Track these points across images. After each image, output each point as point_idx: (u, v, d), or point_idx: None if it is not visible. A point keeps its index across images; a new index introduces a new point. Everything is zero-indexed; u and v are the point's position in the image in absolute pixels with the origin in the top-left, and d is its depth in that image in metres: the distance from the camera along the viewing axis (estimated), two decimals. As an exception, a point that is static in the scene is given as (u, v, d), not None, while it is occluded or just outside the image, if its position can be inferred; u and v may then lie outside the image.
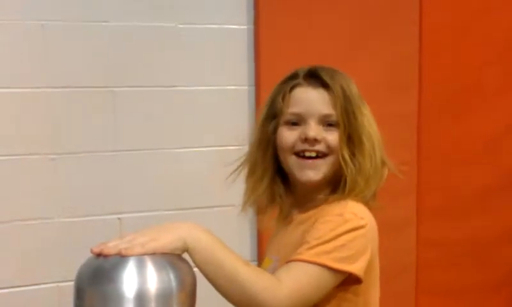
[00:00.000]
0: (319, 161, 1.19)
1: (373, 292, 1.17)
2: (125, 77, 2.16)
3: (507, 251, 2.60)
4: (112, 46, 2.14)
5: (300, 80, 1.22)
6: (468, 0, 2.48)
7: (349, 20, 2.32)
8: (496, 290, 2.61)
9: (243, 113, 2.27)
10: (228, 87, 2.26)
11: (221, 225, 2.23)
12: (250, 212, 2.23)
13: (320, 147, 1.18)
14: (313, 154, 1.18)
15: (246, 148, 2.21)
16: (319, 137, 1.18)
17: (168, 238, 0.97)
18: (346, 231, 1.10)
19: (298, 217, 1.24)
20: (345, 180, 1.17)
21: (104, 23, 2.13)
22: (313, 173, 1.19)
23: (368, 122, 1.19)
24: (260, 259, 2.26)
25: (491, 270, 2.60)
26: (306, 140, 1.18)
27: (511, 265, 2.60)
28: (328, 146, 1.18)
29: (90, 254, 0.97)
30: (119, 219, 2.20)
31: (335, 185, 1.20)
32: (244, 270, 1.01)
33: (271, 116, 1.24)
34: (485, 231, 2.57)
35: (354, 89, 1.20)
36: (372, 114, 1.22)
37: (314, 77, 1.21)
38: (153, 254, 0.94)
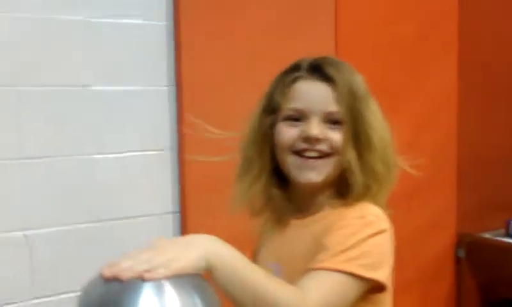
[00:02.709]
0: (320, 161, 1.09)
1: (388, 300, 1.09)
2: (31, 74, 1.91)
3: (417, 249, 2.66)
4: (18, 40, 1.89)
5: (303, 72, 1.12)
6: (379, 3, 2.52)
7: (271, 16, 2.26)
8: (407, 288, 2.67)
9: (163, 115, 2.11)
10: (147, 87, 2.09)
11: (143, 237, 2.07)
12: (171, 220, 2.10)
13: (322, 147, 1.08)
14: (315, 154, 1.08)
15: (167, 153, 2.10)
16: (321, 136, 1.08)
17: (191, 257, 0.82)
18: (370, 235, 1.01)
19: (299, 220, 1.14)
20: (352, 182, 1.08)
21: (6, 14, 1.87)
22: (314, 174, 1.09)
23: (377, 119, 1.10)
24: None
25: (402, 268, 2.65)
26: (307, 139, 1.08)
27: (421, 263, 2.67)
28: (332, 146, 1.08)
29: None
30: (25, 235, 1.94)
31: (340, 187, 1.11)
32: (269, 286, 0.89)
33: (269, 110, 1.13)
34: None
35: (361, 83, 1.11)
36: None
37: (318, 69, 1.11)
38: (173, 277, 0.78)
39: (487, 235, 2.76)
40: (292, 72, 1.13)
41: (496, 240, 2.71)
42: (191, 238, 0.87)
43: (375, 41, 2.50)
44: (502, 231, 2.79)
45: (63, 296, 1.95)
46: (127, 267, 0.78)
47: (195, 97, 2.11)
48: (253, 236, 1.23)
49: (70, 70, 1.97)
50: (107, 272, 0.78)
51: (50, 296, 1.95)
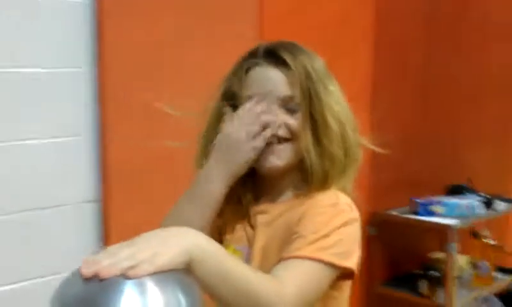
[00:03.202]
0: (280, 146, 1.09)
1: (349, 286, 1.12)
2: None
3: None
4: None
5: (259, 59, 1.11)
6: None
7: (194, 3, 2.20)
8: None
9: (83, 99, 2.00)
10: (65, 69, 1.97)
11: (61, 227, 1.98)
12: (91, 209, 2.02)
13: (280, 132, 1.08)
14: (274, 140, 1.08)
15: (85, 138, 2.00)
16: (278, 121, 1.08)
17: (173, 251, 0.77)
18: (342, 224, 1.02)
19: (268, 207, 1.13)
20: (311, 167, 1.08)
21: None
22: (276, 158, 1.09)
23: (337, 101, 1.10)
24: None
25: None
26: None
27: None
28: (290, 131, 1.09)
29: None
30: None
31: (302, 172, 1.10)
32: (250, 278, 0.88)
33: (227, 97, 1.11)
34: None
35: (319, 66, 1.11)
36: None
37: (273, 54, 1.10)
38: (156, 274, 0.74)
39: (394, 213, 2.89)
40: (249, 58, 1.12)
41: (404, 217, 2.85)
42: (172, 231, 0.83)
43: (299, 27, 2.51)
44: (407, 208, 2.94)
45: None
46: (108, 265, 0.72)
47: (116, 80, 2.02)
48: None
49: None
50: (87, 271, 0.72)
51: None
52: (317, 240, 0.99)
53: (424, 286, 2.76)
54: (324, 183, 1.08)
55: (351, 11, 2.72)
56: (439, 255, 3.14)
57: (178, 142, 1.19)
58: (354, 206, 1.09)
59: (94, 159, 2.03)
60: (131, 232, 2.03)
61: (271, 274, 0.95)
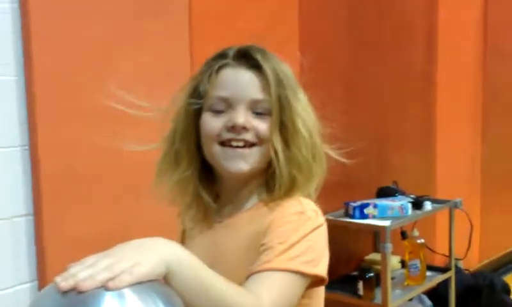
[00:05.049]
0: (247, 150, 1.06)
1: (322, 292, 1.09)
2: None
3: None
4: None
5: (229, 60, 1.07)
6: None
7: (124, 6, 2.14)
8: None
9: (10, 109, 1.89)
10: (-8, 76, 1.86)
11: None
12: (24, 223, 1.91)
13: (248, 136, 1.05)
14: (241, 144, 1.05)
15: (16, 150, 1.89)
16: (247, 125, 1.04)
17: (152, 262, 0.75)
18: (310, 231, 1.00)
19: (229, 219, 1.09)
20: (279, 173, 1.05)
21: None
22: (242, 162, 1.06)
23: (304, 109, 1.08)
24: (42, 278, 1.93)
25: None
26: (232, 128, 1.04)
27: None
28: (258, 136, 1.05)
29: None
30: None
31: (267, 178, 1.08)
32: (227, 291, 0.85)
33: (195, 96, 1.07)
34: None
35: (288, 72, 1.09)
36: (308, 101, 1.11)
37: (245, 56, 1.07)
38: (133, 285, 0.72)
39: (330, 217, 2.92)
40: (219, 59, 1.09)
41: (339, 221, 2.89)
42: (148, 242, 0.80)
43: (225, 36, 2.50)
44: (342, 212, 2.98)
45: None
46: (86, 277, 0.70)
47: (47, 88, 1.93)
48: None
49: None
50: (64, 284, 0.69)
51: None
52: (285, 250, 0.97)
53: (361, 287, 2.79)
54: (290, 190, 1.07)
55: (277, 14, 2.74)
56: (373, 256, 3.21)
57: (140, 145, 1.13)
58: (319, 212, 1.07)
59: (26, 171, 1.92)
60: (68, 245, 1.94)
61: (246, 288, 0.92)
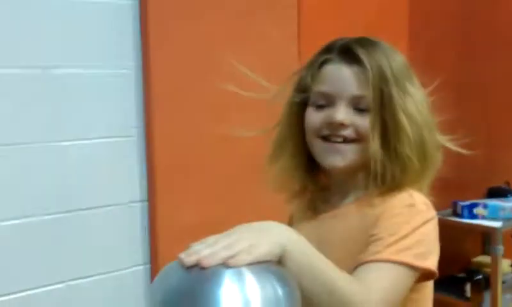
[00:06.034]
0: (345, 146, 1.05)
1: (431, 287, 1.08)
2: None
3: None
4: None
5: (333, 54, 1.07)
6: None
7: (236, 1, 2.20)
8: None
9: (130, 99, 2.00)
10: (112, 70, 1.97)
11: (111, 226, 1.97)
12: (139, 209, 2.01)
13: (347, 133, 1.04)
14: (339, 139, 1.05)
15: (133, 139, 2.00)
16: (346, 122, 1.04)
17: (269, 243, 0.78)
18: (421, 223, 0.99)
19: (338, 204, 1.10)
20: (378, 171, 1.04)
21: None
22: (339, 158, 1.05)
23: (414, 103, 1.04)
24: (154, 261, 2.03)
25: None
26: (332, 124, 1.04)
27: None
28: (357, 132, 1.04)
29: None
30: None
31: (376, 173, 1.06)
32: (338, 279, 0.86)
33: (300, 90, 1.09)
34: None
35: (397, 65, 1.05)
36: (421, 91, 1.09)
37: (348, 51, 1.06)
38: (251, 265, 0.74)
39: (438, 216, 2.85)
40: (324, 54, 1.09)
41: (447, 220, 2.81)
42: (265, 224, 0.83)
43: (333, 31, 2.50)
44: (450, 211, 2.90)
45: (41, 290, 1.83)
46: (208, 254, 0.73)
47: (162, 81, 2.02)
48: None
49: (29, 52, 1.82)
50: (188, 259, 0.73)
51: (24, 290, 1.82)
52: (396, 241, 0.96)
53: (468, 289, 2.70)
54: (395, 187, 1.05)
55: (387, 8, 2.71)
56: (482, 258, 3.09)
57: (248, 130, 1.16)
58: (430, 205, 1.05)
59: (141, 159, 2.02)
60: (178, 232, 2.03)
61: (356, 278, 0.93)
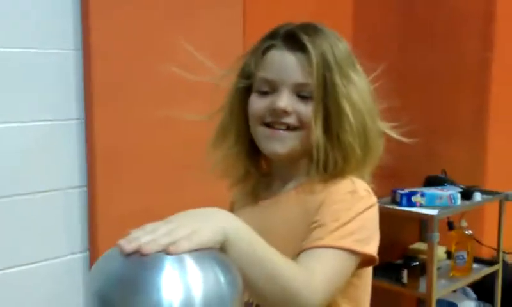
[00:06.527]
0: (287, 133, 1.06)
1: (370, 273, 1.10)
2: None
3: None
4: None
5: (277, 41, 1.07)
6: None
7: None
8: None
9: (68, 82, 1.93)
10: (49, 50, 1.90)
11: (47, 213, 1.91)
12: (77, 195, 1.96)
13: (290, 120, 1.05)
14: (283, 127, 1.05)
15: (73, 123, 1.94)
16: (289, 109, 1.04)
17: (211, 230, 0.77)
18: (362, 210, 1.01)
19: (281, 194, 1.10)
20: (322, 158, 1.05)
21: None
22: (280, 145, 1.06)
23: (357, 90, 1.05)
24: (92, 248, 1.98)
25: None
26: (274, 111, 1.05)
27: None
28: (299, 120, 1.05)
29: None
30: None
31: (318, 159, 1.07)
32: (283, 266, 0.87)
33: (244, 77, 1.08)
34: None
35: (340, 52, 1.06)
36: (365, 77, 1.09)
37: (293, 38, 1.05)
38: (192, 251, 0.73)
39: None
40: (268, 40, 1.09)
41: (386, 208, 2.87)
42: (207, 211, 0.82)
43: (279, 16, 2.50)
44: (389, 199, 2.96)
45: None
46: (148, 241, 0.72)
47: (103, 63, 1.96)
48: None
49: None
50: (128, 246, 0.72)
51: None
52: (338, 228, 0.98)
53: (405, 275, 2.77)
54: (337, 174, 1.06)
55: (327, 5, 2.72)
56: (419, 245, 3.17)
57: (191, 114, 1.15)
58: (371, 192, 1.07)
59: (81, 144, 1.96)
60: (119, 218, 1.99)
61: (299, 264, 0.93)
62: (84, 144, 1.97)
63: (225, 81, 1.11)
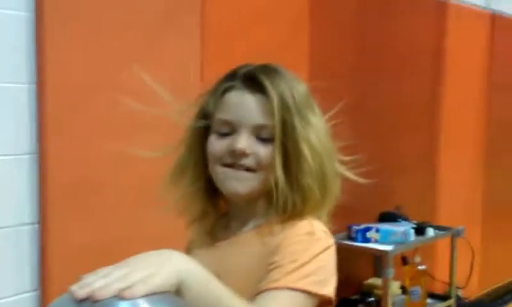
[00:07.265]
0: (247, 174, 1.05)
1: None
2: None
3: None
4: None
5: (236, 82, 1.06)
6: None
7: (137, 17, 2.16)
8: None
9: (22, 116, 1.89)
10: (3, 84, 1.86)
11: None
12: (29, 232, 1.90)
13: (248, 161, 1.04)
14: (241, 168, 1.05)
15: (24, 158, 1.90)
16: (248, 151, 1.04)
17: (166, 273, 0.76)
18: (320, 251, 1.00)
19: (239, 235, 1.10)
20: (280, 200, 1.04)
21: None
22: (240, 185, 1.06)
23: (316, 132, 1.06)
24: (44, 287, 1.92)
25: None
26: (233, 153, 1.04)
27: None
28: (259, 161, 1.05)
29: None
30: None
31: (272, 202, 1.07)
32: None
33: (203, 117, 1.07)
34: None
35: (299, 94, 1.06)
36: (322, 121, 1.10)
37: (252, 79, 1.05)
38: (147, 296, 0.72)
39: (332, 239, 2.92)
40: (227, 81, 1.08)
41: (341, 244, 2.88)
42: (162, 253, 0.80)
43: (236, 55, 2.52)
44: (344, 235, 2.98)
45: None
46: (101, 285, 0.70)
47: (58, 96, 1.94)
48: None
49: None
50: (80, 292, 0.70)
51: None
52: (295, 269, 0.97)
53: (361, 311, 2.78)
54: (295, 215, 1.06)
55: (288, 36, 2.77)
56: (373, 281, 3.19)
57: (147, 151, 1.14)
58: (329, 233, 1.07)
59: (33, 179, 1.92)
60: (72, 256, 1.94)
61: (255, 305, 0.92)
62: (37, 179, 1.92)
63: (182, 118, 1.11)
